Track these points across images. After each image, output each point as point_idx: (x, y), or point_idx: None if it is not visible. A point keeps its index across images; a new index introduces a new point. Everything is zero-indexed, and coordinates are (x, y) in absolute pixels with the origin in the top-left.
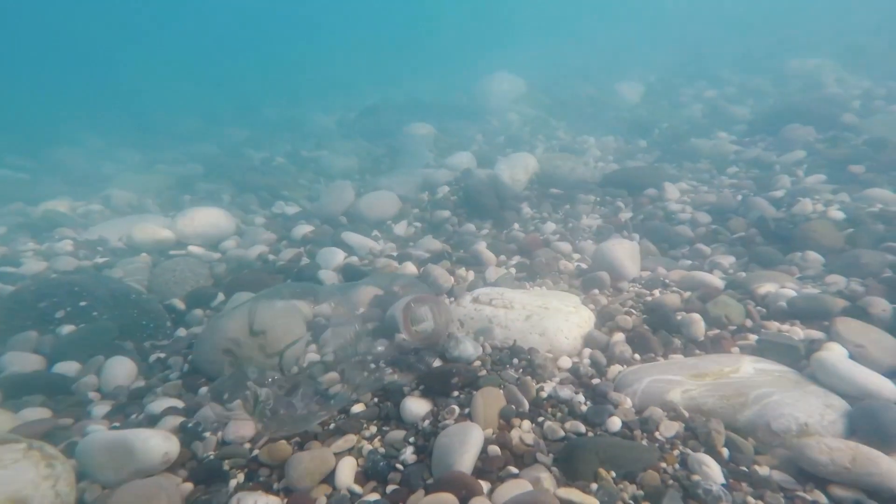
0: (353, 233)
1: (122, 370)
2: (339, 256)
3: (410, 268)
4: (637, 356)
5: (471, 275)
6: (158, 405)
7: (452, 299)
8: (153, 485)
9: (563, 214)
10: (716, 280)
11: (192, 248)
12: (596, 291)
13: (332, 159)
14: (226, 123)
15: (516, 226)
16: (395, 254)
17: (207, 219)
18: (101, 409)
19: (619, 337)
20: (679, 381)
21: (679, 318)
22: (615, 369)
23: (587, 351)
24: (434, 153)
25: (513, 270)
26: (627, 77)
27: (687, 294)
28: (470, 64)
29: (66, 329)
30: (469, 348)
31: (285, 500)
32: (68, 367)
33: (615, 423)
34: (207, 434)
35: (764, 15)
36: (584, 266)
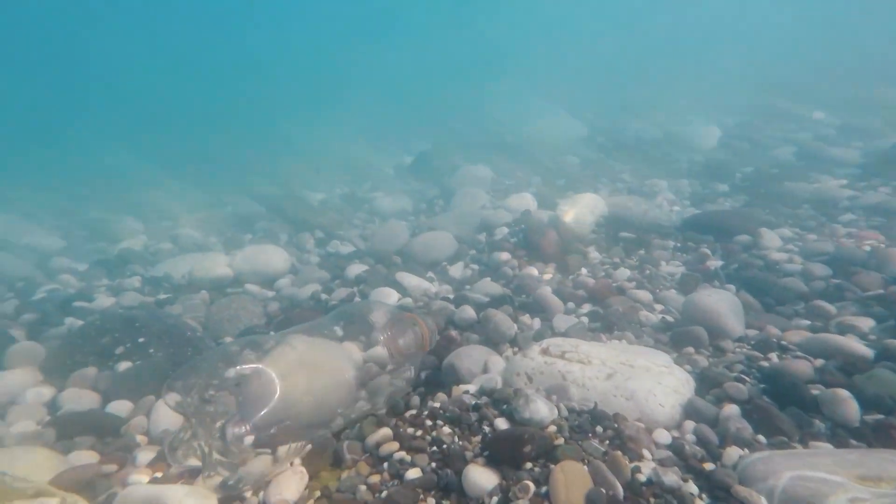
0: (408, 273)
1: (169, 413)
2: (392, 297)
3: (468, 312)
4: (761, 438)
5: (536, 322)
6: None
7: (516, 349)
8: None
9: (638, 260)
10: (859, 347)
11: (249, 286)
12: (691, 350)
13: (385, 199)
14: (288, 164)
15: (584, 271)
16: (451, 296)
17: (263, 257)
18: (146, 455)
19: (732, 410)
20: (840, 483)
21: (815, 392)
22: (732, 453)
23: (690, 424)
24: (491, 194)
25: (585, 320)
26: (697, 119)
27: (819, 362)
28: (523, 105)
29: (123, 366)
30: (542, 409)
31: None
32: (121, 407)
33: None
34: (248, 494)
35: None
36: (669, 319)
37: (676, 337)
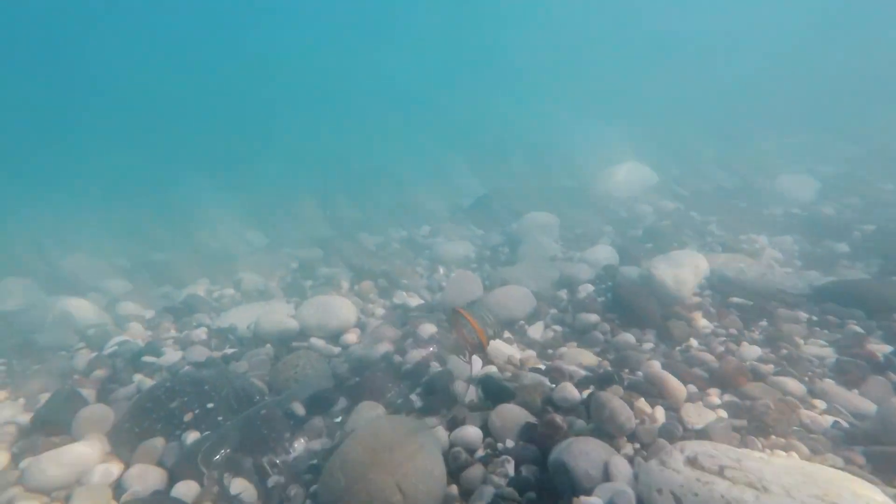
0: None
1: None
2: (475, 364)
3: (571, 392)
4: None
5: (659, 413)
6: None
7: (638, 445)
8: None
9: (763, 334)
10: None
11: (314, 341)
12: None
13: (447, 246)
14: (340, 206)
15: (693, 342)
16: (542, 366)
17: (329, 309)
18: None
19: None
20: None
21: None
22: None
23: None
24: (560, 244)
25: (723, 414)
26: (788, 168)
27: None
28: (589, 149)
29: (191, 436)
30: None
31: None
32: (187, 490)
33: None
34: None
35: None
36: (844, 424)
37: (878, 458)
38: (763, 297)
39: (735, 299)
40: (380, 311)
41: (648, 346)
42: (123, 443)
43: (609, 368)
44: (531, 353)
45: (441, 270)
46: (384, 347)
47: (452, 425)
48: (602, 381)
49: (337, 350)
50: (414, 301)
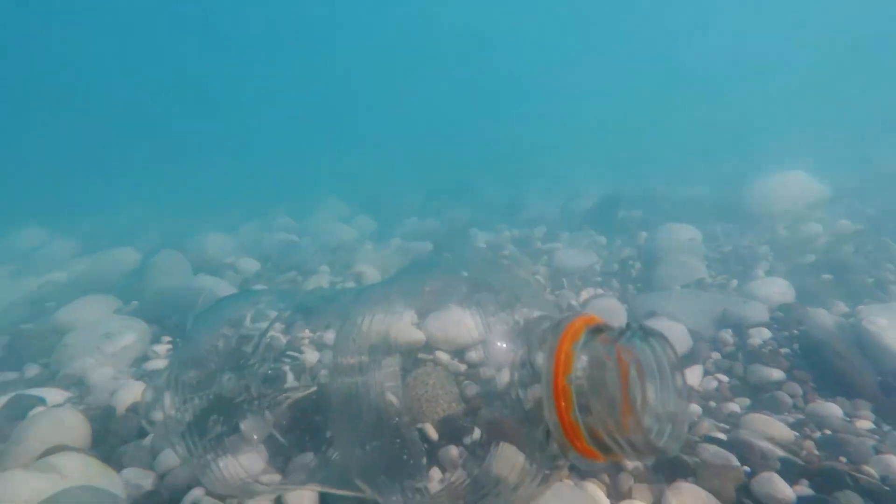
0: None
1: None
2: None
3: (780, 487)
4: None
5: None
6: None
7: None
8: None
9: None
10: None
11: (439, 354)
12: None
13: (568, 254)
14: (447, 201)
15: None
16: (722, 436)
17: (453, 321)
18: None
19: None
20: None
21: None
22: None
23: None
24: (707, 264)
25: None
26: None
27: None
28: (742, 152)
29: (335, 455)
30: None
31: None
32: None
33: None
34: None
35: None
36: None
37: None
38: None
39: None
40: (502, 328)
41: (865, 425)
42: (277, 455)
43: (826, 461)
44: (696, 407)
45: (565, 283)
46: (506, 377)
47: (615, 495)
48: (825, 478)
49: (463, 367)
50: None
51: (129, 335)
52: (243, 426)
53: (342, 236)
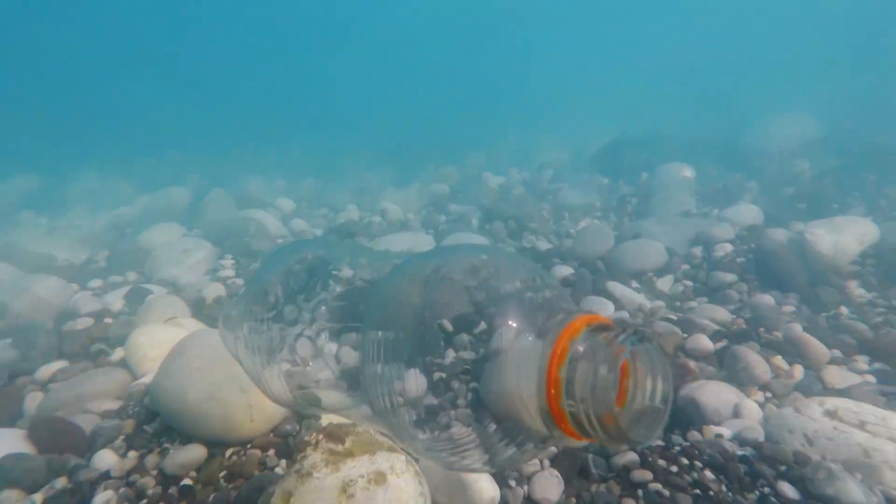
0: (617, 283)
1: (417, 383)
2: (608, 309)
3: (704, 343)
4: None
5: (797, 371)
6: (458, 433)
7: (769, 394)
8: None
9: None
10: None
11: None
12: None
13: (572, 193)
14: (466, 147)
15: (843, 310)
16: (674, 317)
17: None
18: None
19: None
20: None
21: None
22: None
23: None
24: (696, 198)
25: (871, 378)
26: None
27: None
28: (730, 96)
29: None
30: (854, 492)
31: None
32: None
33: None
34: (513, 484)
35: None
36: None
37: None
38: None
39: None
40: (510, 251)
41: (789, 308)
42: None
43: (744, 326)
44: (660, 303)
45: (566, 217)
46: (516, 285)
47: None
48: (738, 336)
49: (474, 283)
50: (542, 245)
51: (201, 251)
52: (299, 347)
53: (367, 181)
